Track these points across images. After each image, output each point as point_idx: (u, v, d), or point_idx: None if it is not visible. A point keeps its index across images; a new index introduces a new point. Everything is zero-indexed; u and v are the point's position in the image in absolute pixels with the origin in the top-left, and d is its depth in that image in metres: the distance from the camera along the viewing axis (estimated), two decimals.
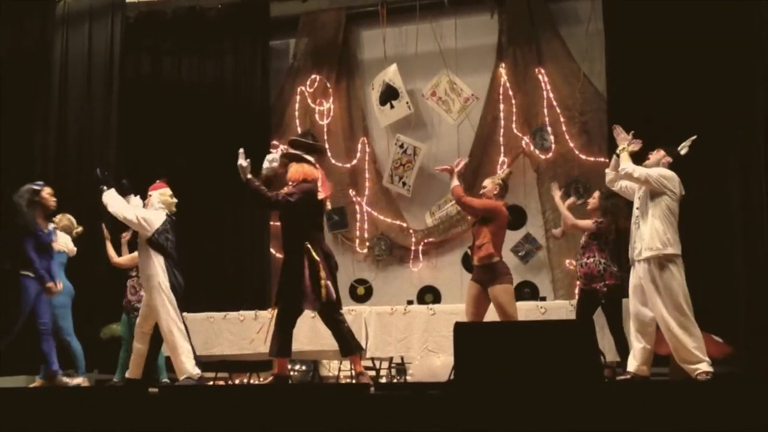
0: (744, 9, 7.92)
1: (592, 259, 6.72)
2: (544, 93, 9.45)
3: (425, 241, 9.81)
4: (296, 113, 10.42)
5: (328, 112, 10.35)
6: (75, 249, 7.55)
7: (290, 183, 5.99)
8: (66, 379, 6.73)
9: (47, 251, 6.61)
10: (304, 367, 8.82)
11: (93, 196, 7.56)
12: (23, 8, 9.86)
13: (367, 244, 10.07)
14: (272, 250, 9.81)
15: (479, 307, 6.39)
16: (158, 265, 6.43)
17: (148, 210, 6.63)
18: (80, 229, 7.71)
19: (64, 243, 7.42)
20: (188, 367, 6.47)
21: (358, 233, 10.09)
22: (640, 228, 5.87)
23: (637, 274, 5.91)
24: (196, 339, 7.91)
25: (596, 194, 7.00)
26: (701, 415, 4.24)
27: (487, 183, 6.62)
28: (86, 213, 8.22)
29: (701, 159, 8.00)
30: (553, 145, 9.38)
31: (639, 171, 5.86)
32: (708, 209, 8.15)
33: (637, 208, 5.97)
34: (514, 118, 9.58)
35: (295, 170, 6.03)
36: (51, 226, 6.76)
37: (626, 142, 6.01)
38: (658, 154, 6.05)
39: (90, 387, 7.23)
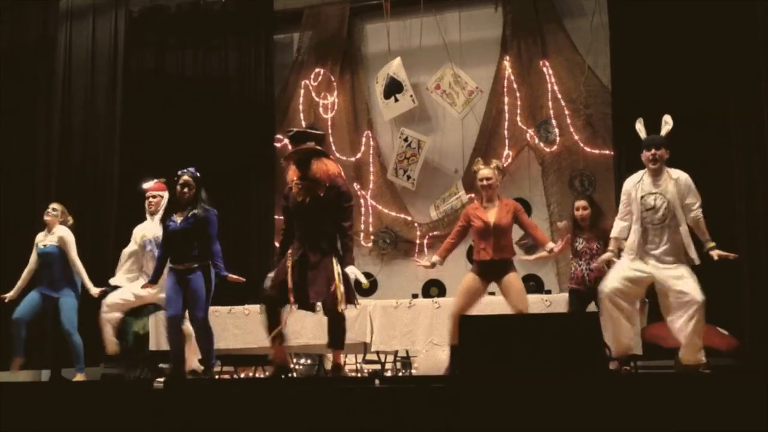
0: (748, 3, 7.88)
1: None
2: (549, 86, 9.42)
3: (430, 234, 9.81)
4: (300, 107, 10.43)
5: (332, 105, 10.35)
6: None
7: (326, 181, 5.80)
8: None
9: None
10: (309, 361, 8.83)
11: (96, 190, 7.59)
12: (27, 3, 9.87)
13: (372, 237, 10.07)
14: (276, 245, 9.80)
15: (474, 300, 6.42)
16: None
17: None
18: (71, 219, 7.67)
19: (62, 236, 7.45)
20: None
21: (362, 227, 10.08)
22: (669, 230, 5.80)
23: (655, 269, 5.83)
24: None
25: (581, 204, 6.89)
26: (706, 409, 4.23)
27: (490, 173, 6.43)
28: (90, 207, 8.23)
29: (705, 154, 8.04)
30: (557, 138, 9.36)
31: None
32: (711, 204, 8.11)
33: (654, 209, 5.85)
34: (518, 111, 9.56)
35: (326, 167, 5.83)
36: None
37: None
38: (667, 152, 5.99)
39: (95, 380, 7.26)
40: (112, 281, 7.26)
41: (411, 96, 9.80)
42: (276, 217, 9.67)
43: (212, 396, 5.13)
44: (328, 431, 4.66)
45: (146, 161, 9.65)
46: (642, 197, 5.87)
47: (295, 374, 6.24)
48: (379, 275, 10.03)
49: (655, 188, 5.87)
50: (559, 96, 9.38)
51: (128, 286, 7.11)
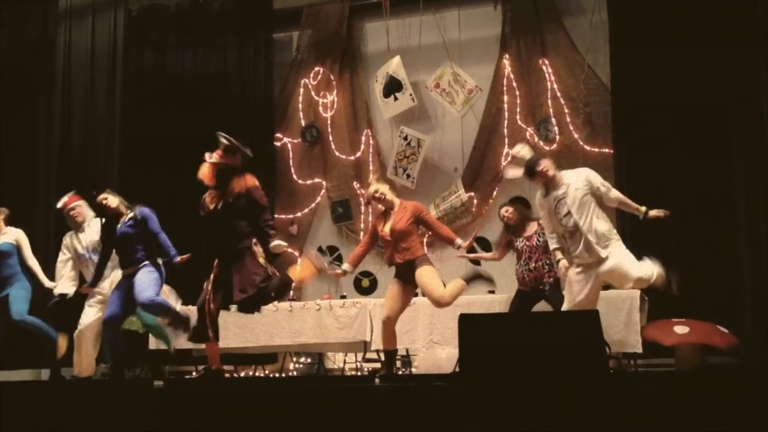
0: (748, 2, 7.87)
1: (540, 263, 6.88)
2: (548, 84, 9.41)
3: (430, 233, 9.78)
4: (300, 106, 10.44)
5: (331, 104, 10.35)
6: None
7: (237, 189, 5.99)
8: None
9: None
10: (309, 360, 8.84)
11: (96, 189, 7.59)
12: (27, 3, 9.86)
13: None
14: None
15: (401, 303, 6.48)
16: None
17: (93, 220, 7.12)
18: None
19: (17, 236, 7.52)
20: None
21: (362, 225, 10.09)
22: (585, 228, 5.89)
23: (587, 269, 5.96)
24: None
25: (510, 210, 7.08)
26: (707, 408, 4.23)
27: (377, 187, 6.56)
28: (90, 207, 8.21)
29: (705, 153, 8.05)
30: (557, 137, 9.35)
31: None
32: (711, 201, 8.14)
33: (567, 215, 5.96)
34: (518, 110, 9.56)
35: (244, 181, 6.06)
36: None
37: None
38: (545, 166, 6.08)
39: (97, 379, 7.26)
40: (57, 291, 7.24)
41: (410, 95, 9.80)
42: (275, 216, 9.66)
43: (212, 395, 5.13)
44: (328, 431, 4.66)
45: (146, 160, 9.66)
46: (555, 207, 6.03)
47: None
48: (378, 274, 10.01)
49: (561, 195, 6.01)
50: (559, 94, 9.37)
51: (86, 309, 7.10)
